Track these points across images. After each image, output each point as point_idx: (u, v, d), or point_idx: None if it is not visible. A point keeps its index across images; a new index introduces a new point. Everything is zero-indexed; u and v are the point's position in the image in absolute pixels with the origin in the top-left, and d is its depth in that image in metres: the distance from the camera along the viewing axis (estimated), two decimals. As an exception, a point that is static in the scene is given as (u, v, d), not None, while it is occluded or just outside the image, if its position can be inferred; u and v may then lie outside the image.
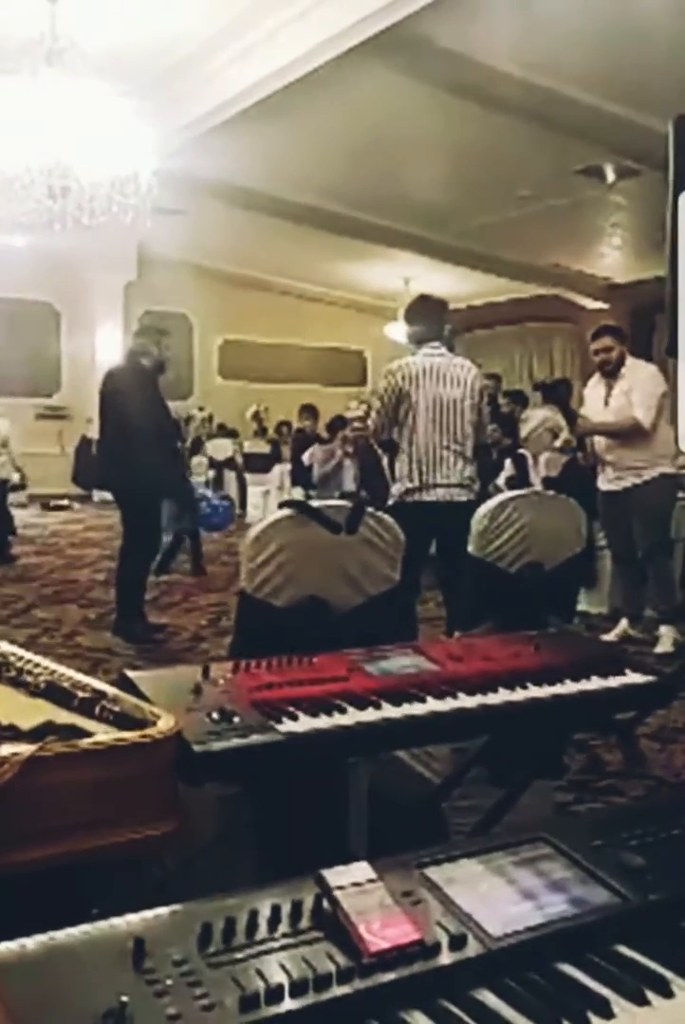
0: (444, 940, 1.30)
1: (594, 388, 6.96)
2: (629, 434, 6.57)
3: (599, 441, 6.83)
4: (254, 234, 14.86)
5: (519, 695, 2.31)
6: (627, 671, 2.51)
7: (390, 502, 5.17)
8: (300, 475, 11.93)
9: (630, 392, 6.57)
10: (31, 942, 1.23)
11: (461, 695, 2.26)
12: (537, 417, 10.04)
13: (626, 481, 6.66)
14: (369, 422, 5.47)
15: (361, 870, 1.38)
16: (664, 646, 6.61)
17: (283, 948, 1.26)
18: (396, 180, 11.69)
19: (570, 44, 7.75)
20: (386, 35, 7.78)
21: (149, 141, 8.81)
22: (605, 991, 1.26)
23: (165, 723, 1.74)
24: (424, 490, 5.10)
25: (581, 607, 6.85)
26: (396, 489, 5.23)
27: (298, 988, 1.18)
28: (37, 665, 2.06)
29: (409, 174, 11.49)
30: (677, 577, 7.62)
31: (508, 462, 9.23)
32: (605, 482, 6.83)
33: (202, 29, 8.99)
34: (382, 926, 1.29)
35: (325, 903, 1.32)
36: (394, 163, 11.05)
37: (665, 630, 6.71)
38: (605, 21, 7.33)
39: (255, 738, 1.93)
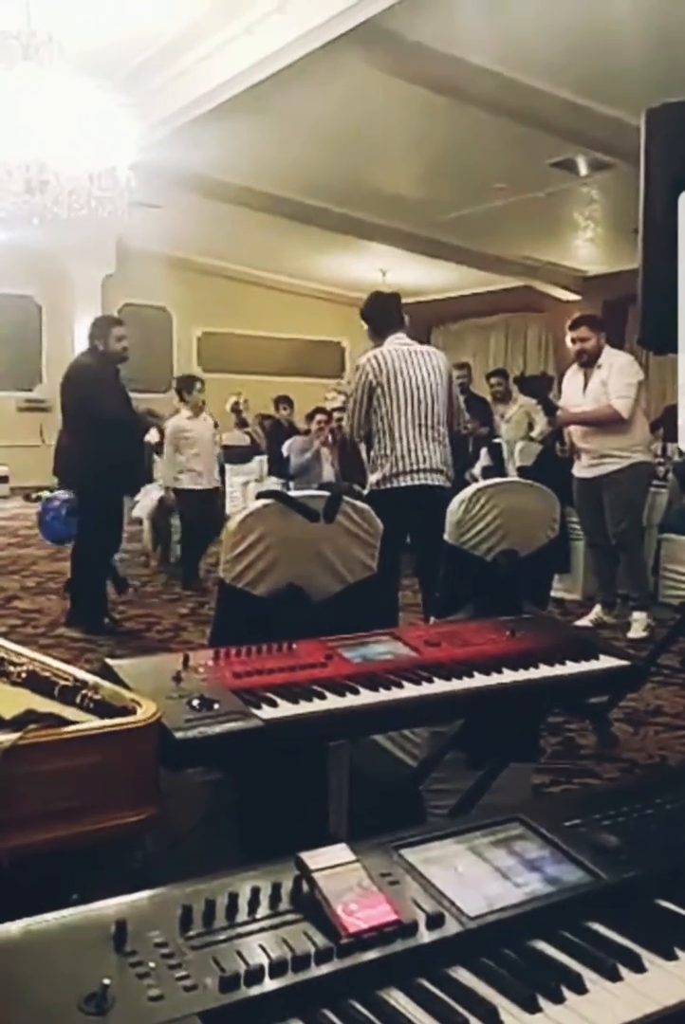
0: (421, 920, 1.32)
1: (572, 378, 7.01)
2: (607, 423, 6.62)
3: (575, 429, 6.89)
4: (232, 227, 14.81)
5: (495, 680, 2.33)
6: (600, 656, 2.54)
7: (366, 491, 5.19)
8: (278, 466, 11.93)
9: (607, 381, 6.62)
10: (14, 927, 1.24)
11: (438, 680, 2.28)
12: (516, 406, 10.10)
13: (601, 468, 6.72)
14: (343, 425, 5.49)
15: (339, 852, 1.40)
16: (636, 631, 6.67)
17: (263, 930, 1.28)
18: (372, 173, 11.68)
19: (543, 39, 7.75)
20: (362, 29, 7.76)
21: (127, 135, 8.78)
22: (579, 967, 1.29)
23: (146, 711, 1.76)
24: (400, 476, 5.12)
25: (555, 593, 6.91)
26: (373, 477, 5.25)
27: (278, 969, 1.20)
28: (19, 655, 2.07)
29: (385, 167, 11.48)
30: (649, 564, 7.71)
31: (484, 452, 9.28)
32: (580, 469, 6.88)
33: (179, 22, 8.95)
34: (360, 907, 1.31)
35: (304, 885, 1.34)
36: (371, 156, 11.04)
37: (638, 616, 6.78)
38: (577, 16, 7.34)
39: (235, 724, 1.94)
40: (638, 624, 6.73)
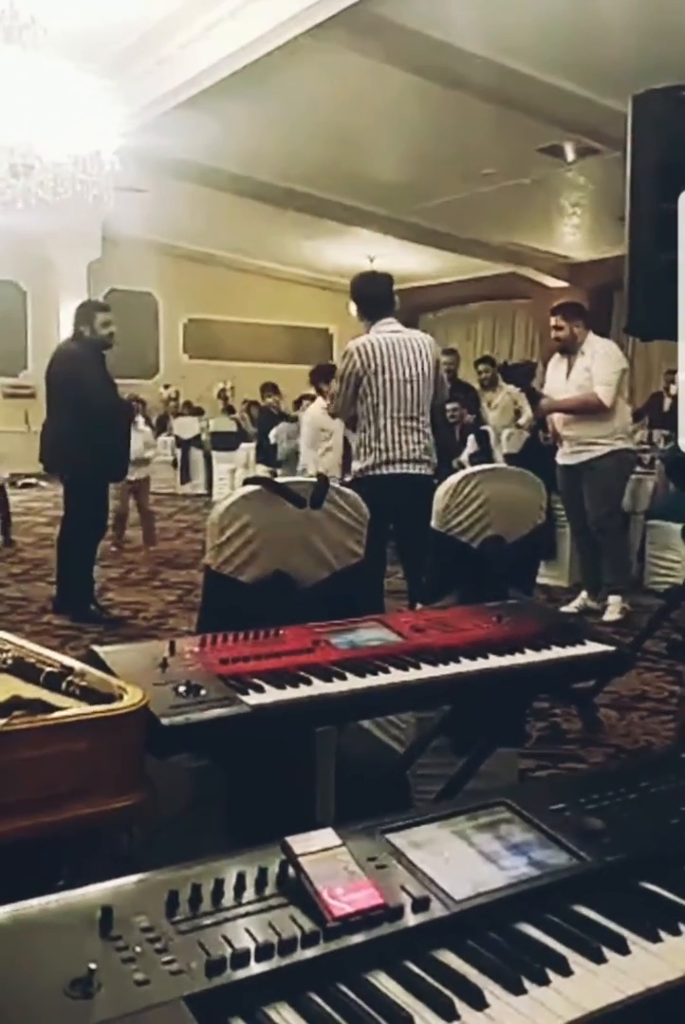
0: (407, 903, 1.32)
1: (556, 365, 7.03)
2: (589, 410, 6.63)
3: (557, 416, 6.91)
4: (218, 213, 14.78)
5: (481, 665, 2.34)
6: (586, 641, 2.55)
7: (349, 478, 5.19)
8: (265, 453, 11.95)
9: (591, 368, 6.64)
10: (0, 912, 1.24)
11: (424, 666, 2.28)
12: (502, 394, 10.12)
13: (582, 455, 6.73)
14: (328, 407, 5.46)
15: (326, 837, 1.40)
16: (612, 614, 6.70)
17: (249, 914, 1.28)
18: (360, 158, 11.67)
19: (531, 24, 7.75)
20: (349, 13, 7.75)
21: (112, 119, 8.76)
22: (564, 949, 1.30)
23: (132, 697, 1.75)
24: (384, 466, 5.13)
25: (542, 579, 6.93)
26: (356, 465, 5.25)
27: (264, 952, 1.20)
28: (4, 641, 2.06)
29: (373, 153, 11.47)
30: (631, 550, 7.76)
31: (471, 438, 9.27)
32: (562, 456, 6.90)
33: (164, 6, 8.92)
34: (346, 891, 1.31)
35: (290, 869, 1.34)
36: (358, 142, 11.02)
37: (613, 599, 6.81)
38: (565, 1, 7.34)
39: (222, 710, 1.94)
40: (613, 607, 6.76)
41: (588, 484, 6.76)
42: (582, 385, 6.67)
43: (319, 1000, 1.17)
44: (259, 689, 2.06)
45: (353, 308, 5.50)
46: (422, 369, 5.20)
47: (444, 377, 5.56)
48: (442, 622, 2.59)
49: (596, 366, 6.62)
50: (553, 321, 6.82)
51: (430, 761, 2.94)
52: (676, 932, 1.35)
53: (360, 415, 5.21)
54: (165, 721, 1.86)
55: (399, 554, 5.45)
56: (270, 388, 14.07)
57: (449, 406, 6.29)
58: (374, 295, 5.38)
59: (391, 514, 5.07)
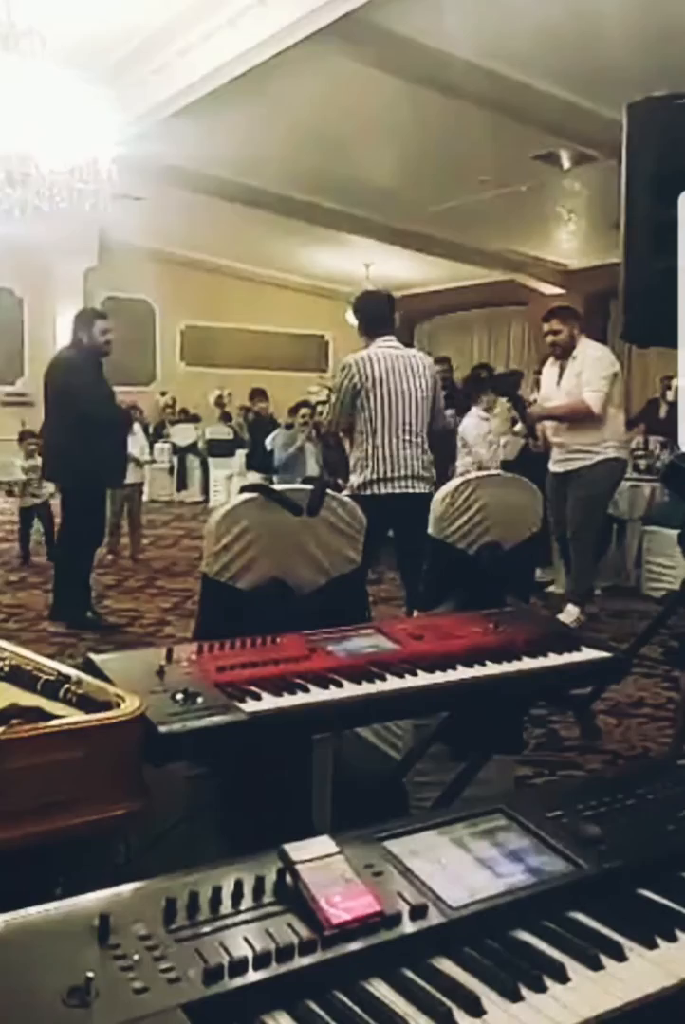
0: (404, 911, 1.33)
1: (548, 371, 7.00)
2: (578, 417, 6.59)
3: (547, 423, 6.87)
4: (215, 220, 14.77)
5: (478, 672, 2.34)
6: (582, 648, 2.55)
7: (347, 493, 5.20)
8: (258, 459, 11.94)
9: (581, 374, 6.59)
10: (-3, 921, 1.24)
11: (421, 673, 2.28)
12: (498, 402, 10.11)
13: (572, 463, 6.67)
14: (323, 417, 5.48)
15: (323, 844, 1.40)
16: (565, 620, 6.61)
17: (247, 922, 1.28)
18: (356, 166, 11.66)
19: (526, 31, 7.76)
20: (344, 22, 7.75)
21: (109, 127, 8.76)
22: (561, 956, 1.30)
23: (129, 705, 1.75)
24: (381, 483, 5.14)
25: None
26: (354, 480, 5.25)
27: (261, 960, 1.20)
28: (1, 649, 2.06)
29: (368, 160, 11.46)
30: (632, 556, 7.75)
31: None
32: (553, 464, 6.84)
33: (162, 14, 8.92)
34: (343, 898, 1.31)
35: (287, 877, 1.34)
36: (354, 149, 11.02)
37: (571, 609, 6.75)
38: (561, 8, 7.35)
39: (219, 718, 1.94)
40: (567, 616, 6.69)
41: (573, 490, 6.70)
42: (571, 392, 6.62)
43: (317, 1008, 1.18)
44: (256, 696, 2.06)
45: (352, 319, 5.57)
46: (420, 386, 5.23)
47: (441, 400, 5.59)
48: (439, 629, 2.59)
49: (587, 370, 6.57)
50: (548, 326, 6.77)
51: (427, 768, 2.94)
52: (673, 939, 1.36)
53: (357, 429, 5.23)
54: (162, 729, 1.86)
55: (398, 562, 5.46)
56: (259, 394, 14.07)
57: (447, 412, 6.31)
58: (374, 313, 5.47)
59: (387, 529, 5.08)
